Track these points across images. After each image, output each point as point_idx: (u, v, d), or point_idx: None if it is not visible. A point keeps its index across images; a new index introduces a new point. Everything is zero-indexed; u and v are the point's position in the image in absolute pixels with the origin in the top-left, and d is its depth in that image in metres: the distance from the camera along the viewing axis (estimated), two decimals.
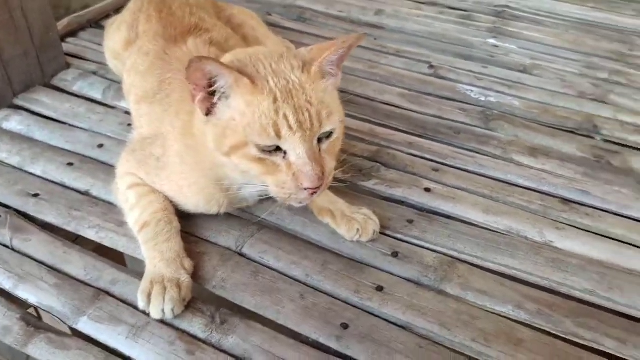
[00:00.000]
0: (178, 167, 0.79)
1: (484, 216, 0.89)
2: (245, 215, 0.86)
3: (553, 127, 1.12)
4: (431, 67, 1.31)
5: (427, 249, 0.83)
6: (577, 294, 0.76)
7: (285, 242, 0.82)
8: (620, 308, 0.74)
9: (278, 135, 0.65)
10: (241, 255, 0.80)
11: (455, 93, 1.22)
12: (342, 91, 1.19)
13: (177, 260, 0.74)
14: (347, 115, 1.11)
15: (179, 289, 0.70)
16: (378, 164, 0.98)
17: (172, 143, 0.79)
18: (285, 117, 0.65)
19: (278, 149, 0.66)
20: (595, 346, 0.70)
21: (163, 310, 0.69)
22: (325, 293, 0.75)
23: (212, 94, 0.67)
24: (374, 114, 1.14)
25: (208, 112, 0.68)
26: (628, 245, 0.84)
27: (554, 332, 0.71)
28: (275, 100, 0.65)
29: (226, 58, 0.71)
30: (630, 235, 0.85)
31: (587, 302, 0.75)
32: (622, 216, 0.90)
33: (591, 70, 1.33)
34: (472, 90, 1.22)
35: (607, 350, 0.69)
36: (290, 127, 0.65)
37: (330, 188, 0.86)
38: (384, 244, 0.83)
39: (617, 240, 0.85)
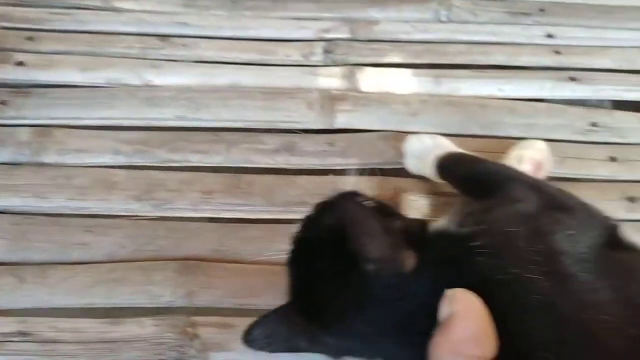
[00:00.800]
0: None
1: (83, 75, 0.87)
2: None
3: None
4: None
5: (23, 125, 0.80)
6: (170, 123, 0.82)
7: None
8: (208, 124, 0.82)
9: None
10: None
11: None
12: None
13: None
14: None
15: None
16: None
17: None
18: None
19: None
20: (184, 164, 0.78)
21: None
22: None
23: None
24: None
25: None
26: (217, 64, 0.90)
27: (149, 165, 0.77)
28: None
29: None
30: (220, 54, 0.92)
31: (179, 127, 0.82)
32: (216, 38, 0.96)
33: None
34: None
35: (193, 164, 0.77)
36: None
37: None
38: None
39: (209, 62, 0.91)
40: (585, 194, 0.73)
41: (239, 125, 0.82)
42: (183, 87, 0.86)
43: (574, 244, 0.48)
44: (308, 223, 0.51)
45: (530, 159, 0.71)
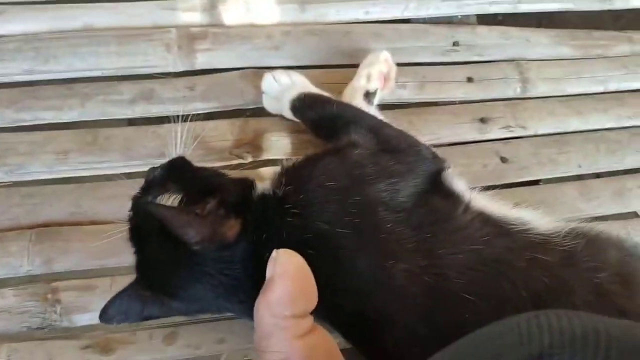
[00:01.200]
0: None
1: None
2: None
3: None
4: None
5: None
6: (17, 79, 0.77)
7: None
8: (59, 76, 0.78)
9: None
10: None
11: None
12: None
13: None
14: None
15: None
16: None
17: None
18: None
19: None
20: (38, 122, 0.75)
21: None
22: None
23: None
24: None
25: None
26: (66, 5, 0.83)
27: None
28: None
29: None
30: None
31: (27, 82, 0.77)
32: None
33: None
34: None
35: (45, 122, 0.74)
36: None
37: None
38: None
39: (57, 2, 0.84)
40: (440, 119, 0.77)
41: (93, 74, 0.78)
42: (29, 36, 0.80)
43: (394, 193, 0.51)
44: (136, 205, 0.52)
45: (378, 73, 0.72)
